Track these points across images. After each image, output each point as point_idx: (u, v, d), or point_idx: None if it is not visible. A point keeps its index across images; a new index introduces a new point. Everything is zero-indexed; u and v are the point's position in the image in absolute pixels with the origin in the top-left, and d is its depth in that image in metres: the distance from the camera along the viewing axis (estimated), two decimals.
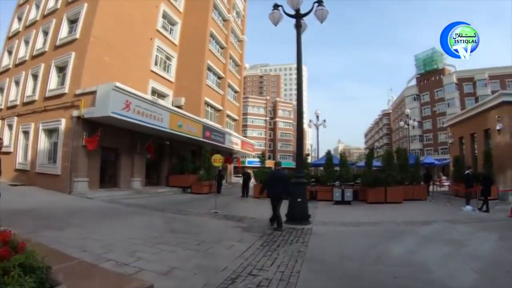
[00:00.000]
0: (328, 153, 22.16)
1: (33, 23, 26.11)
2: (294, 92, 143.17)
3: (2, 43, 31.78)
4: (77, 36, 20.86)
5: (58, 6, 23.56)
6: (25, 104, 23.48)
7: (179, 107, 26.95)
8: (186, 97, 29.58)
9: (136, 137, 22.11)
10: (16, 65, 26.39)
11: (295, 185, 11.28)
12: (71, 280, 3.24)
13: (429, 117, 78.83)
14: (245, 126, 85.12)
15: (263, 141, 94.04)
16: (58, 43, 22.04)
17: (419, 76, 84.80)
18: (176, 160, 26.87)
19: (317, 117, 34.40)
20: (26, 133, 22.61)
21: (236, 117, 42.23)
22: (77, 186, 17.98)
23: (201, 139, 26.67)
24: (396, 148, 26.85)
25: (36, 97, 22.35)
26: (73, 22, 22.12)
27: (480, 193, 16.02)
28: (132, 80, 22.37)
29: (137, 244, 7.26)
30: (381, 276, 5.62)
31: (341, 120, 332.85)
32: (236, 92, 42.83)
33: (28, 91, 23.61)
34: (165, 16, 29.35)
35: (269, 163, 31.75)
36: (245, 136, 52.33)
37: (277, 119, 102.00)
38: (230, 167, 41.01)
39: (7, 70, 27.68)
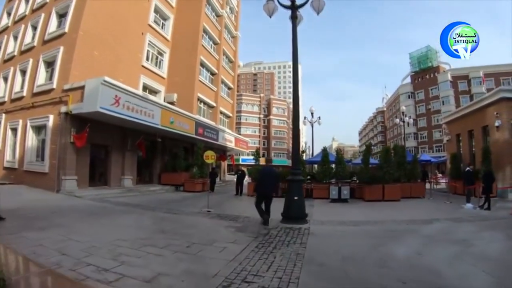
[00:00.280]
0: (324, 150, 21.70)
1: (22, 18, 25.48)
2: (288, 90, 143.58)
3: None
4: (66, 30, 20.25)
5: (47, 0, 22.93)
6: (13, 100, 22.88)
7: (171, 103, 26.29)
8: (178, 93, 29.00)
9: (127, 133, 21.58)
10: (5, 61, 25.73)
11: (291, 182, 10.83)
12: None
13: (424, 115, 78.89)
14: (239, 123, 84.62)
15: (257, 139, 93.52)
16: (46, 37, 21.49)
17: (413, 74, 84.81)
18: (169, 157, 26.41)
19: (312, 114, 33.92)
20: (14, 130, 22.03)
21: (230, 114, 41.69)
22: (65, 184, 17.40)
23: (194, 136, 26.14)
24: (393, 145, 26.43)
25: (24, 93, 21.78)
26: (62, 16, 21.52)
27: (481, 190, 15.60)
28: (123, 75, 21.86)
29: (122, 247, 6.74)
30: (387, 280, 5.14)
31: (335, 118, 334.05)
32: (229, 88, 42.31)
33: (16, 87, 23.04)
34: (157, 10, 28.79)
35: (263, 161, 31.32)
36: (239, 134, 51.78)
37: (271, 117, 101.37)
38: (224, 164, 40.57)
39: None
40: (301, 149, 16.96)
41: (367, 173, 19.25)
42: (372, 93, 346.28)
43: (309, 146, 45.60)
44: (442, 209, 14.91)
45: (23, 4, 26.20)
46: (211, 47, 35.40)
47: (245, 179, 23.16)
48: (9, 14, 28.10)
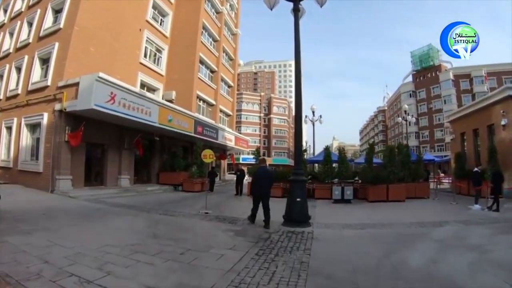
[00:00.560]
0: (327, 149, 21.17)
1: (18, 14, 25.04)
2: (289, 89, 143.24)
3: None
4: (61, 26, 19.81)
5: None
6: (8, 98, 22.49)
7: (170, 101, 25.85)
8: (177, 91, 28.51)
9: (123, 132, 21.06)
10: (0, 59, 25.31)
11: (293, 183, 10.31)
12: None
13: (425, 114, 78.39)
14: (239, 122, 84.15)
15: (257, 138, 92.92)
16: (42, 33, 21.03)
17: (415, 72, 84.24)
18: (167, 156, 25.92)
19: (313, 112, 33.43)
20: (9, 128, 21.63)
21: (230, 113, 41.11)
22: (60, 184, 16.90)
23: (193, 134, 25.56)
24: (396, 144, 25.91)
25: (19, 91, 21.38)
26: (58, 12, 21.04)
27: (490, 191, 15.04)
28: (120, 72, 21.37)
29: (111, 254, 6.22)
30: None
31: (335, 117, 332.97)
32: (229, 86, 41.76)
33: (12, 85, 22.61)
34: (155, 7, 28.29)
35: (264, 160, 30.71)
36: (239, 133, 51.22)
37: (271, 116, 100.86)
38: (224, 163, 40.05)
39: None
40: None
41: (371, 172, 18.69)
42: (373, 92, 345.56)
43: (309, 145, 45.03)
44: (449, 210, 14.40)
45: (19, 0, 25.75)
46: (210, 44, 34.85)
47: (245, 178, 22.66)
48: (5, 11, 27.71)
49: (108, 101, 16.49)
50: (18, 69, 22.42)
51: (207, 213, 12.26)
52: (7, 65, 23.68)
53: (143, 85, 26.09)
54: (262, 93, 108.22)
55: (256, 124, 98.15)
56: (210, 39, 35.25)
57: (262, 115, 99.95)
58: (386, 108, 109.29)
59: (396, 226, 10.30)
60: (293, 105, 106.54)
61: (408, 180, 19.27)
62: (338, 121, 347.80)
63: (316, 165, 28.44)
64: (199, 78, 31.37)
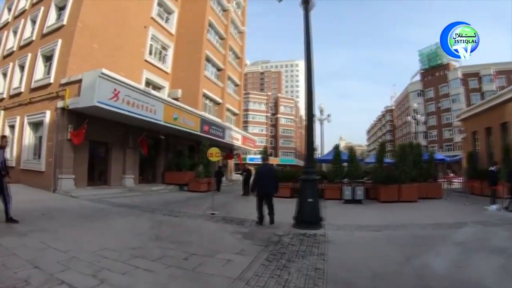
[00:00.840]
0: (336, 148, 20.62)
1: (22, 13, 24.75)
2: (296, 88, 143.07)
3: None
4: (64, 22, 19.46)
5: None
6: (11, 96, 22.19)
7: (176, 99, 25.37)
8: (183, 89, 28.14)
9: (128, 130, 20.64)
10: (4, 57, 25.13)
11: (304, 182, 9.75)
12: None
13: (434, 114, 77.49)
14: (246, 122, 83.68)
15: (264, 138, 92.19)
16: (45, 31, 20.73)
17: (423, 71, 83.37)
18: (173, 155, 25.44)
19: (321, 111, 32.98)
20: (12, 127, 21.25)
21: (237, 111, 40.62)
22: (62, 183, 16.50)
23: (199, 133, 25.15)
24: (408, 143, 25.27)
25: (23, 89, 21.05)
26: (61, 9, 20.68)
27: (507, 191, 14.43)
28: (125, 70, 20.91)
29: (108, 259, 5.73)
30: None
31: (341, 117, 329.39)
32: (236, 85, 41.26)
33: (15, 83, 22.32)
34: (160, 4, 27.90)
35: (272, 161, 30.31)
36: (246, 133, 50.74)
37: (278, 115, 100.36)
38: (231, 163, 39.60)
39: None
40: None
41: (382, 172, 18.12)
42: (379, 92, 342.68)
43: (317, 145, 44.50)
44: (464, 211, 13.79)
45: None
46: (217, 42, 34.40)
47: (252, 178, 22.20)
48: (9, 10, 27.55)
49: (111, 98, 16.09)
50: (22, 67, 22.17)
51: (213, 214, 11.78)
52: (11, 64, 23.40)
53: (148, 83, 25.65)
54: (269, 93, 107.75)
55: (263, 124, 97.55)
56: (217, 37, 34.83)
57: (269, 114, 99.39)
58: (393, 107, 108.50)
59: (411, 227, 9.75)
60: (300, 104, 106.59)
61: (419, 180, 18.68)
62: (344, 121, 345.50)
63: (323, 164, 27.88)
64: (205, 76, 30.93)
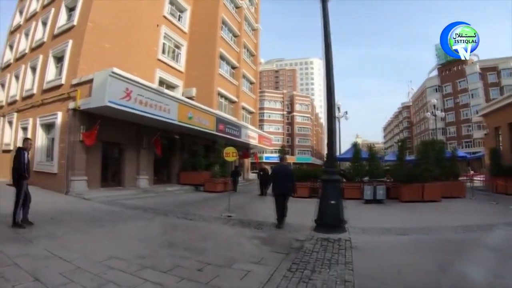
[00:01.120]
0: (356, 146, 19.96)
1: (33, 15, 24.82)
2: (311, 86, 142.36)
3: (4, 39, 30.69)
4: (75, 22, 19.28)
5: None
6: (24, 98, 22.23)
7: (190, 98, 24.94)
8: (197, 87, 27.71)
9: (141, 130, 20.30)
10: (17, 59, 25.38)
11: (326, 182, 9.09)
12: None
13: (452, 109, 75.46)
14: (261, 120, 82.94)
15: (280, 136, 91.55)
16: (56, 32, 20.59)
17: (440, 66, 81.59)
18: (188, 155, 24.97)
19: (338, 108, 32.31)
20: (25, 129, 21.11)
21: (253, 110, 40.02)
22: (74, 185, 16.21)
23: (214, 132, 24.73)
24: (429, 139, 24.39)
25: (35, 91, 20.99)
26: (71, 9, 20.53)
27: None
28: (138, 69, 20.49)
29: (115, 269, 5.22)
30: None
31: (357, 115, 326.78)
32: (252, 83, 40.62)
33: (27, 85, 22.30)
34: (172, 2, 27.58)
35: (289, 159, 29.72)
36: (262, 131, 50.16)
37: (294, 113, 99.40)
38: (247, 162, 39.09)
39: (8, 66, 26.88)
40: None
41: (404, 170, 17.36)
42: (394, 89, 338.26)
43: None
44: (493, 211, 13.07)
45: (34, 1, 25.53)
46: (231, 39, 33.94)
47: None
48: (21, 13, 27.74)
49: (123, 97, 15.70)
50: (33, 69, 22.15)
51: (230, 216, 11.22)
52: (23, 66, 23.53)
53: (162, 82, 25.29)
54: (284, 91, 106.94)
55: (278, 122, 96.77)
56: (230, 35, 34.31)
57: (284, 113, 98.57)
58: (410, 104, 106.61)
59: (440, 230, 9.02)
60: (316, 102, 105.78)
61: (442, 179, 17.84)
62: (359, 119, 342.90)
63: (340, 163, 27.24)
64: (220, 74, 30.51)
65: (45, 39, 21.65)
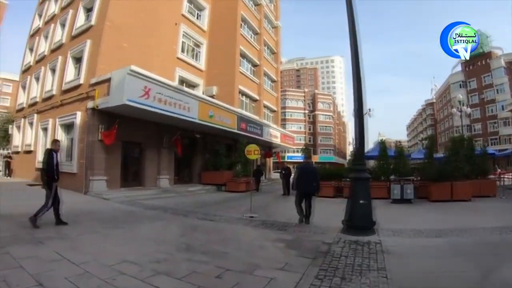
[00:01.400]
0: (382, 143, 19.30)
1: (52, 17, 25.08)
2: (332, 85, 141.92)
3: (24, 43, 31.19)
4: (93, 22, 19.22)
5: None
6: (44, 100, 22.43)
7: (211, 96, 24.66)
8: (218, 86, 27.40)
9: (162, 130, 20.04)
10: (37, 62, 25.69)
11: (355, 181, 8.53)
12: None
13: (477, 106, 72.96)
14: (284, 120, 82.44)
15: (302, 135, 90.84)
16: (74, 33, 20.65)
17: (464, 61, 79.43)
18: (209, 155, 24.62)
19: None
20: (45, 130, 21.28)
21: (275, 108, 39.50)
22: (94, 185, 16.10)
23: (236, 131, 24.32)
24: (458, 136, 23.45)
25: (54, 92, 21.12)
26: (89, 10, 20.51)
27: None
28: (157, 68, 20.08)
29: (126, 275, 4.79)
30: None
31: (378, 113, 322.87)
32: (273, 81, 40.07)
33: (47, 86, 22.50)
34: (191, 1, 27.33)
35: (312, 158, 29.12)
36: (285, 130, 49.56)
37: (316, 112, 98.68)
38: (270, 162, 38.74)
39: (28, 68, 27.35)
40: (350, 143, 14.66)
41: (433, 168, 16.59)
42: (415, 85, 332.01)
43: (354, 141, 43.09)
44: None
45: (52, 4, 25.82)
46: (251, 37, 33.53)
47: (291, 177, 21.14)
48: (40, 16, 28.21)
49: (142, 96, 15.41)
50: (53, 70, 22.31)
51: (252, 217, 10.74)
52: (43, 68, 23.80)
53: (182, 81, 25.03)
54: (306, 89, 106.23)
55: (301, 121, 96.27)
56: (250, 32, 33.92)
57: (306, 111, 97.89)
58: (434, 100, 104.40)
59: (477, 232, 8.28)
60: (338, 101, 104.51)
61: (472, 176, 17.03)
62: (381, 117, 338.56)
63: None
64: (241, 72, 30.14)
65: (64, 41, 21.69)
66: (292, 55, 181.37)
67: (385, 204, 14.61)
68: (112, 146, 16.69)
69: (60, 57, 21.27)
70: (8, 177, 25.74)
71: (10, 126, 30.03)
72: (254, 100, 33.51)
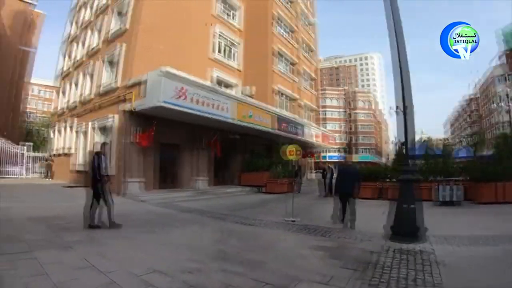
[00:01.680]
0: (427, 142, 18.43)
1: (88, 24, 25.86)
2: (372, 82, 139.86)
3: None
4: (127, 26, 19.50)
5: (109, 1, 22.45)
6: (82, 104, 23.17)
7: (249, 96, 24.45)
8: (255, 85, 26.99)
9: (198, 131, 19.86)
10: (76, 67, 26.45)
11: (404, 183, 7.80)
12: None
13: None
14: (324, 119, 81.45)
15: (343, 134, 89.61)
16: (109, 37, 21.08)
17: (508, 52, 75.19)
18: (248, 156, 24.32)
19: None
20: (84, 133, 21.73)
21: (314, 107, 38.74)
22: (130, 187, 16.16)
23: (275, 131, 23.83)
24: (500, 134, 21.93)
25: (92, 96, 21.67)
26: (123, 14, 20.83)
27: None
28: (192, 69, 19.96)
29: (153, 287, 4.38)
30: None
31: (418, 110, 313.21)
32: (312, 80, 39.23)
33: (85, 91, 23.24)
34: (224, 1, 27.10)
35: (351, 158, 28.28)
36: (324, 129, 48.69)
37: (356, 111, 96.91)
38: (309, 162, 38.06)
39: (68, 74, 28.43)
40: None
41: (483, 167, 15.18)
42: (451, 81, 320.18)
43: (399, 140, 41.62)
44: None
45: (88, 11, 26.68)
46: (288, 35, 32.97)
47: (333, 177, 20.44)
48: (76, 24, 29.41)
49: (178, 97, 15.30)
50: (90, 75, 22.88)
51: (293, 221, 10.17)
52: (81, 73, 24.60)
53: (219, 82, 24.82)
54: (345, 87, 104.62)
55: (340, 120, 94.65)
56: (287, 30, 33.31)
57: (346, 110, 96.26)
58: (476, 96, 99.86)
59: None
60: (378, 99, 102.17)
61: None
62: (420, 115, 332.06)
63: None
64: (276, 71, 29.67)
65: (99, 46, 22.25)
66: (328, 53, 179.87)
67: (430, 207, 13.34)
68: (149, 148, 16.81)
69: (97, 62, 21.73)
70: (50, 179, 26.39)
71: (51, 130, 31.15)
72: (293, 99, 32.84)
